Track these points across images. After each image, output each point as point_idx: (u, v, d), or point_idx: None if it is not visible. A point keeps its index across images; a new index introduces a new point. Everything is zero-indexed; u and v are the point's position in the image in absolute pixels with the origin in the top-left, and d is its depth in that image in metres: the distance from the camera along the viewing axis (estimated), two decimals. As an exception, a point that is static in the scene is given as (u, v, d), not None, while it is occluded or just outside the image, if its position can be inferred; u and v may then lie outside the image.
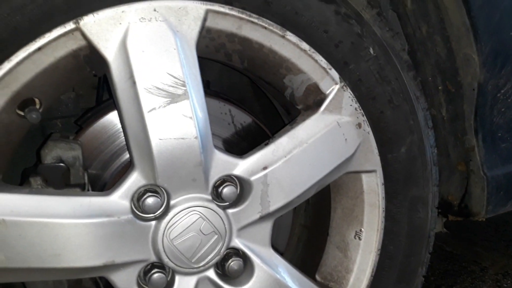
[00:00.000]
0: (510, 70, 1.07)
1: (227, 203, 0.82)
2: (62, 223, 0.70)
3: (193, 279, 0.82)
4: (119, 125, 0.89)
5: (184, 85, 0.73)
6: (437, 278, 1.73)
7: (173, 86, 0.72)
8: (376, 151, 0.92)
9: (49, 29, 0.67)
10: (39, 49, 0.67)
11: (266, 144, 0.85)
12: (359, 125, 0.90)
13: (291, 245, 1.16)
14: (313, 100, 0.89)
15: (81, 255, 0.71)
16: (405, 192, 0.96)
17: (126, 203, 0.75)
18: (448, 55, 1.08)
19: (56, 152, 0.76)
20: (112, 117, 0.86)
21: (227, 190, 0.81)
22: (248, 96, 1.19)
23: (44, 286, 0.79)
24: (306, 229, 1.15)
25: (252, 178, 0.82)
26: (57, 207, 0.70)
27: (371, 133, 0.91)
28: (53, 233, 0.69)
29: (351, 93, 0.88)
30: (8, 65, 0.66)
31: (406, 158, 0.95)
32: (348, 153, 0.89)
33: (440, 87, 1.15)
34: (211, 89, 1.03)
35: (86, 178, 0.79)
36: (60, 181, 0.77)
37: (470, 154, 1.13)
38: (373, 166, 0.93)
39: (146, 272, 0.79)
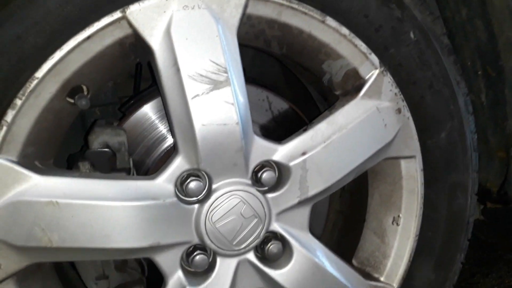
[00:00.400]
0: (556, 52, 1.03)
1: (267, 188, 0.84)
2: (111, 205, 0.73)
3: (234, 261, 0.84)
4: (160, 112, 0.91)
5: (226, 72, 0.74)
6: (472, 266, 1.70)
7: (215, 73, 0.74)
8: (415, 136, 0.91)
9: (97, 18, 0.69)
10: (88, 38, 0.69)
11: (305, 130, 0.85)
12: (398, 110, 0.89)
13: (326, 231, 1.17)
14: (352, 85, 0.88)
15: (129, 236, 0.74)
16: (444, 178, 0.95)
17: (170, 187, 0.78)
18: (489, 38, 1.05)
19: (103, 138, 0.79)
20: (154, 105, 0.89)
21: (267, 175, 0.82)
22: (280, 83, 1.20)
23: (93, 266, 0.83)
24: (342, 215, 1.16)
25: (291, 164, 0.83)
26: (106, 190, 0.73)
27: (410, 118, 0.90)
28: (103, 215, 0.72)
29: (391, 78, 0.87)
30: (59, 54, 0.68)
31: (446, 143, 0.93)
32: (388, 138, 0.89)
33: (479, 72, 1.12)
34: (247, 75, 1.03)
35: (131, 163, 0.82)
36: (107, 166, 0.80)
37: (510, 140, 1.11)
38: (413, 152, 0.92)
39: (188, 254, 0.81)
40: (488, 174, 1.21)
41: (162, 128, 0.90)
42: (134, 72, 1.07)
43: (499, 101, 1.10)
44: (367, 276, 0.97)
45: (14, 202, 0.69)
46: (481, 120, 1.17)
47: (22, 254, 0.71)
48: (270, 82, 1.15)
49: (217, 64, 0.74)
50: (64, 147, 0.93)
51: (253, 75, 1.11)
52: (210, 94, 0.73)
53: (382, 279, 0.97)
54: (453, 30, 1.10)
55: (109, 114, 1.04)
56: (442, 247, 0.98)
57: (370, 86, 0.87)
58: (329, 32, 0.82)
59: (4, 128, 0.68)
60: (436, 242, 0.97)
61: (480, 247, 1.85)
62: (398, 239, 0.96)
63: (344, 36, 0.83)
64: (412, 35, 0.87)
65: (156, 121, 0.89)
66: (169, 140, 0.89)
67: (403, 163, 0.93)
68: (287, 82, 1.19)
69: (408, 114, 0.90)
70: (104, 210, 0.72)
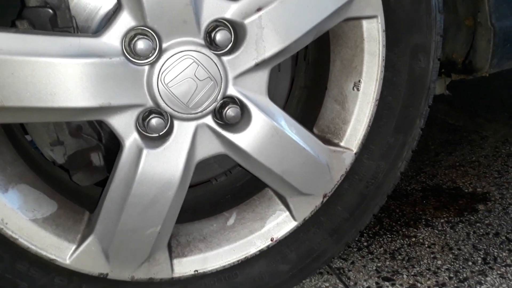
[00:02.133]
0: None
1: (222, 50, 0.80)
2: (53, 62, 0.69)
3: (192, 125, 0.83)
4: None
5: None
6: (437, 146, 1.77)
7: None
8: (378, -7, 0.87)
9: None
10: None
11: (260, -16, 0.80)
12: (360, -37, 0.83)
13: (291, 106, 1.16)
14: None
15: (76, 94, 0.71)
16: (406, 39, 0.92)
17: (117, 45, 0.74)
18: None
19: None
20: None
21: (221, 35, 0.79)
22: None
23: (46, 131, 0.81)
24: (306, 90, 1.15)
25: (246, 21, 0.79)
26: (46, 46, 0.69)
27: (373, -27, 0.85)
28: (45, 72, 0.69)
29: None
30: None
31: (410, 2, 0.89)
32: (348, -5, 0.84)
33: None
34: None
35: (74, 22, 0.77)
36: (47, 25, 0.74)
37: (478, 5, 1.07)
38: (375, 11, 0.88)
39: (144, 118, 0.80)
40: (454, 46, 1.19)
41: (107, -13, 0.83)
42: None
43: (470, -38, 1.04)
44: (327, 142, 0.98)
45: None
46: (451, -13, 1.12)
47: None
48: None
49: None
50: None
51: None
52: None
53: (341, 144, 0.98)
54: None
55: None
56: (401, 112, 0.98)
57: None
58: None
59: None
60: (396, 107, 0.98)
61: (448, 130, 1.91)
62: (358, 104, 0.96)
63: None
64: None
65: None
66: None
67: (364, 23, 0.90)
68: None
69: (370, -33, 0.84)
70: (45, 66, 0.69)
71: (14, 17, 0.81)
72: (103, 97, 0.74)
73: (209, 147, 0.87)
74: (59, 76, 0.70)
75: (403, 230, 1.26)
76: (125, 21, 0.74)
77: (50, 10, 0.75)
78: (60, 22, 0.75)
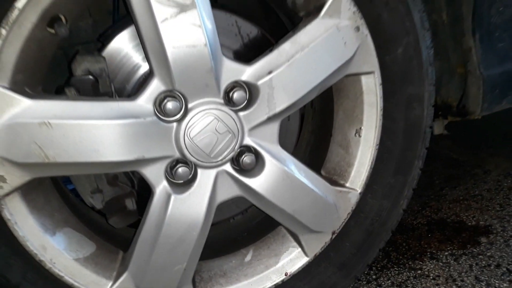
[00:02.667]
0: (508, -32, 1.09)
1: (238, 106, 0.92)
2: (97, 123, 0.82)
3: (213, 172, 0.94)
4: (136, 41, 0.98)
5: (191, -4, 0.80)
6: (441, 181, 1.85)
7: (181, -2, 0.80)
8: (374, 53, 0.99)
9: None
10: (61, -31, 0.75)
11: (271, 51, 0.93)
12: (357, 28, 0.96)
13: (300, 149, 1.28)
14: (314, 6, 0.95)
15: (116, 150, 0.84)
16: (401, 91, 1.04)
17: (149, 107, 0.86)
18: (447, -43, 1.11)
19: (85, 65, 0.87)
20: (130, 33, 0.95)
21: (237, 95, 0.91)
22: (257, 11, 1.25)
23: (87, 181, 0.93)
24: (313, 134, 1.26)
25: (259, 82, 0.91)
26: (91, 111, 0.82)
27: (369, 35, 0.97)
28: (90, 132, 0.81)
29: (349, -3, 0.93)
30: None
31: (403, 58, 1.01)
32: (348, 55, 0.97)
33: (440, -9, 1.18)
34: (217, 2, 1.09)
35: (112, 87, 0.90)
36: (91, 91, 0.88)
37: (467, 55, 1.19)
38: (372, 67, 1.00)
39: (172, 167, 0.92)
40: (449, 91, 1.30)
41: (139, 55, 0.97)
42: (112, 8, 1.12)
43: (457, 18, 1.17)
44: (334, 183, 1.09)
45: (11, 124, 0.78)
46: (443, 38, 1.24)
47: (24, 169, 0.81)
48: (242, 8, 1.20)
49: (182, -11, 0.80)
50: (52, 80, 1.00)
51: (224, 1, 1.16)
52: (178, 17, 0.80)
53: (347, 185, 1.09)
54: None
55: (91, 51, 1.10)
56: (400, 155, 1.09)
57: (330, 6, 0.93)
58: (288, -44, 0.88)
59: None
60: (395, 150, 1.08)
61: (451, 165, 1.99)
62: (360, 149, 1.07)
63: (302, -41, 0.88)
64: (367, -45, 0.92)
65: (133, 49, 0.96)
66: (146, 66, 0.96)
67: (363, 78, 1.02)
68: (264, 11, 1.24)
69: (366, 31, 0.97)
70: (91, 128, 0.81)
71: (60, 84, 0.95)
72: (138, 152, 0.86)
73: (228, 191, 0.98)
74: (102, 135, 0.82)
75: (409, 263, 1.34)
76: (156, 86, 0.86)
77: (93, 78, 0.88)
78: (101, 88, 0.88)
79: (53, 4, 0.77)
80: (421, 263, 1.33)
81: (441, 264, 1.32)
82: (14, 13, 0.74)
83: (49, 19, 0.79)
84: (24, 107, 0.79)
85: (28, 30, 0.77)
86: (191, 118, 0.89)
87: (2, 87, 0.77)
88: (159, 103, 0.87)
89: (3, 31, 0.75)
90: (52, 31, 0.79)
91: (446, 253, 1.36)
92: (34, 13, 0.76)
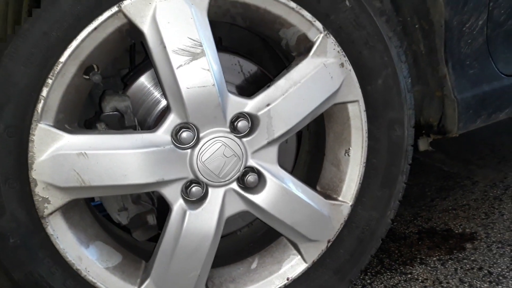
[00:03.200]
0: (472, 7, 1.25)
1: (242, 134, 1.08)
2: (125, 152, 0.98)
3: (222, 190, 1.10)
4: (154, 81, 1.15)
5: (201, 45, 0.97)
6: (433, 193, 1.99)
7: (193, 47, 0.97)
8: (357, 84, 1.15)
9: (100, 13, 0.91)
10: (95, 28, 0.92)
11: (268, 86, 1.09)
12: (342, 65, 1.12)
13: (298, 168, 1.43)
14: (304, 47, 1.11)
15: (140, 174, 1.00)
16: (383, 115, 1.19)
17: (167, 137, 1.03)
18: (420, -2, 1.27)
19: (113, 104, 1.03)
20: (149, 75, 1.12)
21: (241, 124, 1.07)
22: (256, 47, 1.42)
23: (115, 200, 1.09)
24: (310, 154, 1.42)
25: (259, 113, 1.07)
26: (120, 142, 0.99)
27: (352, 70, 1.14)
28: (119, 160, 0.98)
29: (334, 39, 1.10)
30: (75, 42, 0.92)
31: (383, 88, 1.17)
32: (334, 88, 1.13)
33: (417, 26, 1.35)
34: (222, 44, 1.26)
35: (136, 122, 1.07)
36: (118, 125, 1.04)
37: (443, 81, 1.35)
38: (356, 97, 1.16)
39: (187, 187, 1.07)
40: (430, 112, 1.46)
41: (157, 93, 1.14)
42: (129, 48, 1.30)
43: (432, 49, 1.33)
44: (328, 197, 1.24)
45: (54, 155, 0.95)
46: (422, 66, 1.40)
47: (64, 192, 0.98)
48: (247, 47, 1.38)
49: (193, 40, 0.97)
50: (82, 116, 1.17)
51: (231, 42, 1.34)
52: (191, 63, 0.97)
53: (339, 198, 1.23)
54: (394, -8, 1.32)
55: (110, 84, 1.28)
56: (385, 171, 1.24)
57: (317, 47, 1.10)
58: (280, 7, 1.05)
59: (42, 101, 0.93)
60: (380, 167, 1.23)
61: (443, 177, 2.13)
62: (350, 166, 1.22)
63: (292, 8, 1.05)
64: (347, 3, 1.09)
65: (152, 88, 1.13)
66: (163, 103, 1.13)
67: (349, 106, 1.18)
68: (263, 47, 1.42)
69: (349, 67, 1.13)
70: (120, 156, 0.98)
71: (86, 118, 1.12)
72: (158, 175, 1.02)
73: (235, 206, 1.13)
74: (129, 162, 0.99)
75: (401, 268, 1.48)
76: (173, 120, 1.03)
77: (120, 114, 1.05)
78: (127, 122, 1.05)
79: (89, 57, 0.94)
80: (411, 268, 1.47)
81: (429, 268, 1.45)
82: (59, 67, 0.92)
83: (85, 68, 0.96)
84: (65, 141, 0.95)
85: (68, 78, 0.94)
86: (203, 145, 1.05)
87: (48, 125, 0.94)
88: (175, 133, 1.03)
89: (49, 81, 0.92)
90: (87, 77, 0.96)
91: (434, 259, 1.50)
92: (73, 65, 0.93)
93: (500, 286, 1.33)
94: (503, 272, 1.40)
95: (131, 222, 1.12)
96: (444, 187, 2.02)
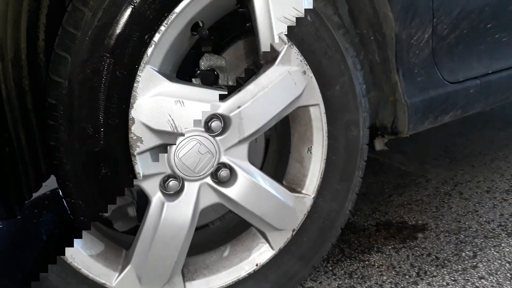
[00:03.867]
0: (418, 22, 1.42)
1: (215, 133, 1.20)
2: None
3: (197, 184, 1.21)
4: (248, 47, 1.30)
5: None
6: (390, 189, 2.17)
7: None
8: (318, 90, 1.29)
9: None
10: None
11: (239, 90, 1.22)
12: (304, 72, 1.26)
13: (267, 165, 1.56)
14: (271, 56, 1.24)
15: (123, 169, 1.10)
16: (341, 117, 1.34)
17: (148, 135, 1.14)
18: (374, 13, 1.43)
19: (209, 62, 1.15)
20: (244, 42, 1.29)
21: (215, 124, 1.19)
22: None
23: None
24: (277, 153, 1.55)
25: (231, 114, 1.19)
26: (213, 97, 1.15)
27: (313, 77, 1.27)
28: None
29: (297, 49, 1.24)
30: (185, 2, 1.04)
31: (340, 93, 1.32)
32: (297, 93, 1.26)
33: (372, 38, 1.51)
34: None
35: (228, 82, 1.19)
36: (211, 83, 1.16)
37: (395, 87, 1.51)
38: (317, 101, 1.30)
39: (165, 181, 1.18)
40: (384, 115, 1.62)
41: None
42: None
43: (385, 59, 1.50)
44: (293, 190, 1.37)
45: (156, 99, 1.05)
46: (377, 74, 1.56)
47: (156, 135, 1.09)
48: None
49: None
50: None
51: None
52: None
53: (303, 191, 1.37)
54: (352, 6, 1.47)
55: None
56: (344, 167, 1.38)
57: (282, 56, 1.23)
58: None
59: (153, 45, 1.03)
60: (339, 163, 1.37)
61: (400, 175, 2.32)
62: (312, 163, 1.36)
63: (261, 23, 1.19)
64: (309, 18, 1.23)
65: (245, 54, 1.28)
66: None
67: (311, 109, 1.31)
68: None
69: (311, 74, 1.27)
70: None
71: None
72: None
73: (209, 199, 1.25)
74: (113, 158, 1.09)
75: (360, 256, 1.63)
76: (152, 120, 1.14)
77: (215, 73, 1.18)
78: (221, 82, 1.21)
79: (199, 13, 1.07)
80: (369, 255, 1.62)
81: (384, 255, 1.61)
82: (173, 16, 1.03)
83: (193, 24, 1.08)
84: (166, 86, 1.06)
85: (178, 30, 1.05)
86: (180, 142, 1.16)
87: (154, 70, 1.05)
88: (155, 132, 1.14)
89: (162, 28, 1.03)
90: (194, 33, 1.09)
91: (389, 247, 1.66)
92: (185, 19, 1.06)
93: (444, 269, 1.50)
94: (448, 257, 1.57)
95: (113, 214, 1.21)
96: (401, 184, 2.20)
